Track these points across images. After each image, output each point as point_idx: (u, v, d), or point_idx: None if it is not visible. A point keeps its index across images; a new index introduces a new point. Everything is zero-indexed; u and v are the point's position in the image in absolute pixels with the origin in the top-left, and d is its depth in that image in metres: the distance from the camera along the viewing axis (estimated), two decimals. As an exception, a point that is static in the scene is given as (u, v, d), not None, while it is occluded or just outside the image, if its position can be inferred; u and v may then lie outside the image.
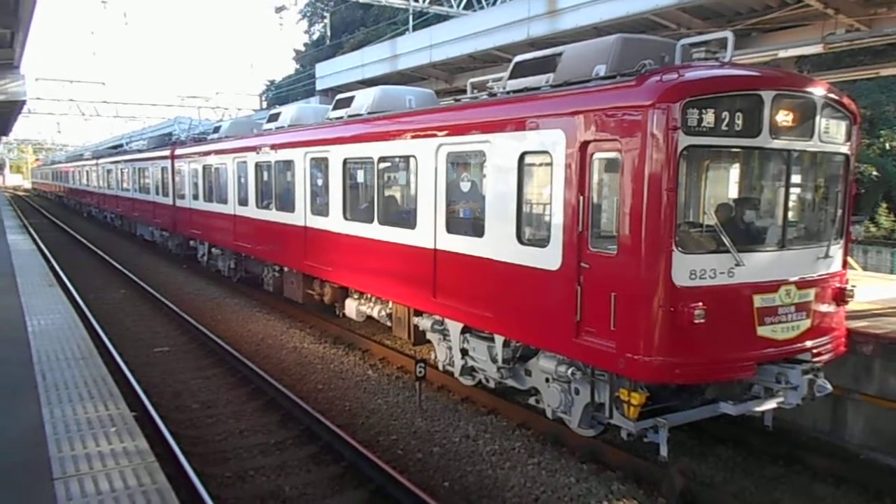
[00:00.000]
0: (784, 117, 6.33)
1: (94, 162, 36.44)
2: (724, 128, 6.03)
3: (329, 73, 25.84)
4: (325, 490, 6.79)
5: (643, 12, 12.70)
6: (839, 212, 7.17)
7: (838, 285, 7.03)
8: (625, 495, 6.72)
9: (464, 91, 10.42)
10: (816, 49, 12.41)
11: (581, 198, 6.56)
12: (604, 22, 13.36)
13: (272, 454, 7.62)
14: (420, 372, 8.93)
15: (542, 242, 7.11)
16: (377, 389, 9.83)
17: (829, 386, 6.53)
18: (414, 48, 20.14)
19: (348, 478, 7.00)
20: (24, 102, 25.13)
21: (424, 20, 27.70)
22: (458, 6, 24.23)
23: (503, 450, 7.73)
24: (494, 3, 23.29)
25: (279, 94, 50.41)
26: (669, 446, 6.52)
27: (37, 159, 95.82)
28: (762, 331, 6.33)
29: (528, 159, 7.35)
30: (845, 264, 7.33)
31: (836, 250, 7.09)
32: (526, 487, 6.88)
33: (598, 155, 6.50)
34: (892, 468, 7.23)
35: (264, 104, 46.47)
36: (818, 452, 7.48)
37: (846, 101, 6.96)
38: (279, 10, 26.07)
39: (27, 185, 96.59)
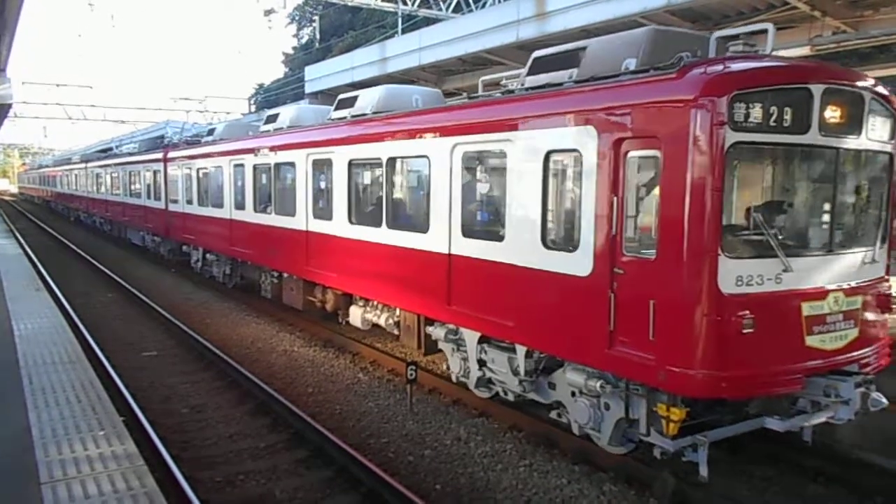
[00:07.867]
0: (833, 113, 5.93)
1: (82, 165, 35.73)
2: (772, 123, 5.63)
3: (318, 76, 25.64)
4: (315, 494, 6.64)
5: (631, 15, 12.66)
6: (883, 214, 6.78)
7: (884, 292, 6.63)
8: (616, 496, 6.57)
9: (454, 94, 10.02)
10: (804, 51, 12.38)
11: (614, 199, 6.14)
12: (592, 24, 13.30)
13: (262, 458, 7.46)
14: (411, 375, 8.74)
15: (571, 247, 6.67)
16: (368, 392, 9.65)
17: (884, 399, 6.08)
18: (403, 51, 20.06)
19: (339, 481, 6.88)
20: (10, 106, 24.77)
21: (413, 23, 27.34)
22: (448, 9, 23.95)
23: (494, 452, 7.63)
24: (483, 6, 23.05)
25: (268, 97, 49.84)
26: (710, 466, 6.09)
27: (23, 164, 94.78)
28: (811, 340, 5.92)
29: (554, 158, 6.92)
30: (888, 269, 6.93)
31: (881, 254, 6.70)
32: (518, 489, 6.79)
33: (633, 153, 6.07)
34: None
35: (253, 108, 45.99)
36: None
37: (892, 98, 6.58)
38: (268, 13, 25.64)
39: (14, 189, 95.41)
